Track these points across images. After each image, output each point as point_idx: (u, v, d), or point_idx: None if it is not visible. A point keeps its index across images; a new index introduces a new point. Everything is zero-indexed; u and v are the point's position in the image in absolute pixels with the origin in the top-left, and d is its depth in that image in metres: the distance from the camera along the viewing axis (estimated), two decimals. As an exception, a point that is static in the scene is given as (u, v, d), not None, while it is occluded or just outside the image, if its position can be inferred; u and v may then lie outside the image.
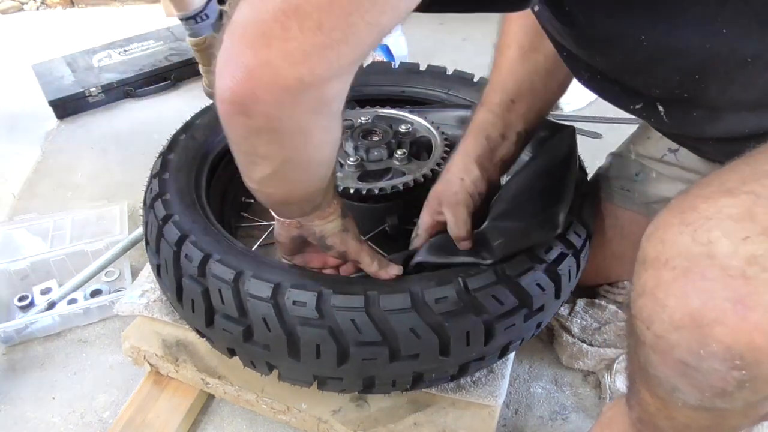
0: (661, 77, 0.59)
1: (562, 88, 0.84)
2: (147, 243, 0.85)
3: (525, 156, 0.89)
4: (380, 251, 0.96)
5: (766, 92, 0.55)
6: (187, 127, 0.99)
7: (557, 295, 0.75)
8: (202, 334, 0.80)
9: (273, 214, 0.70)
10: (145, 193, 0.89)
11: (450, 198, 0.79)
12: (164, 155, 0.92)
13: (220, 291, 0.70)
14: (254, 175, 0.60)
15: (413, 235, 0.85)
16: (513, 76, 0.81)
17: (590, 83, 0.71)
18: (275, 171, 0.57)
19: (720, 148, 0.69)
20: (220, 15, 1.63)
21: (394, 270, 0.72)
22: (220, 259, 0.72)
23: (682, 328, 0.44)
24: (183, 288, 0.75)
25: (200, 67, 1.73)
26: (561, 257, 0.74)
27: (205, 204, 0.87)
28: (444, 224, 0.79)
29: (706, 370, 0.44)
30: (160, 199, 0.82)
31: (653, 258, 0.47)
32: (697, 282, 0.43)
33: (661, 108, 0.65)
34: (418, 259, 0.76)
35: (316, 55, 0.42)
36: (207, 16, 1.58)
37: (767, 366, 0.42)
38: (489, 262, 0.72)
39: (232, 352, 0.78)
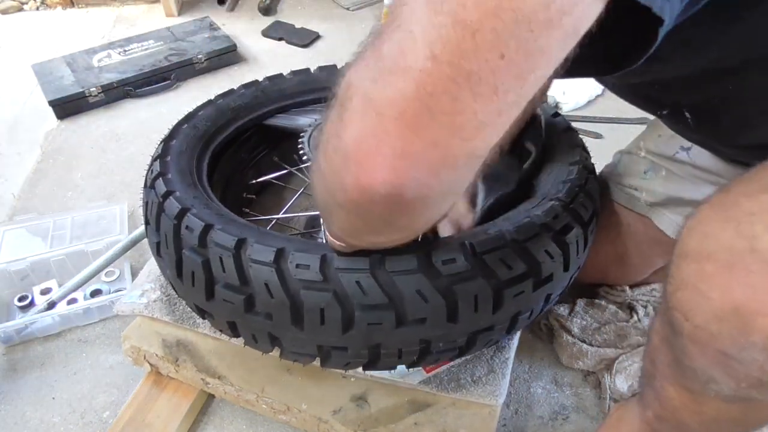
0: (698, 90, 0.60)
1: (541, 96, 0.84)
2: (147, 222, 0.83)
3: None
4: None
5: None
6: (189, 118, 1.00)
7: (566, 267, 0.73)
8: (202, 312, 0.79)
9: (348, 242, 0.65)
10: (146, 175, 0.89)
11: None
12: (166, 141, 0.92)
13: (221, 259, 0.68)
14: (376, 239, 0.56)
15: None
16: None
17: (615, 91, 0.72)
18: (410, 234, 0.54)
19: (748, 154, 0.70)
20: None
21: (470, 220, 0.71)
22: (222, 228, 0.70)
23: (724, 319, 0.45)
24: (183, 261, 0.73)
25: None
26: (568, 227, 0.73)
27: (206, 186, 0.87)
28: None
29: (746, 360, 0.46)
30: (161, 178, 0.82)
31: (695, 251, 0.48)
32: (741, 275, 0.44)
33: (688, 115, 0.66)
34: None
35: (490, 125, 0.38)
36: None
37: None
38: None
39: (233, 328, 0.76)
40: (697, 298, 0.47)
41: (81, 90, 1.71)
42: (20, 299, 1.13)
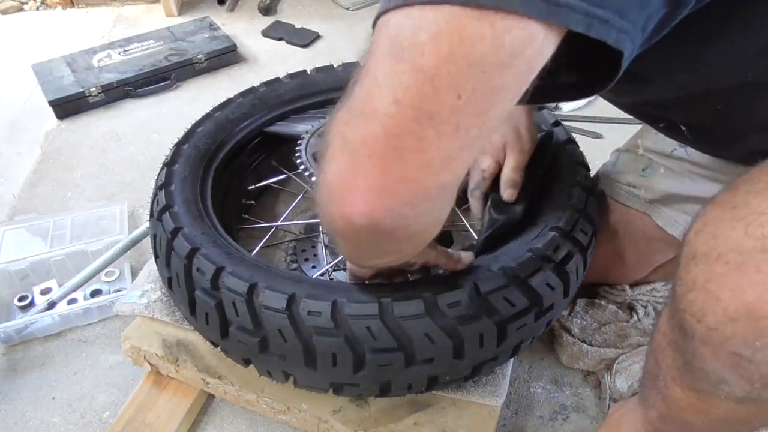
0: (687, 110, 0.61)
1: None
2: (156, 256, 0.85)
3: None
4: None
5: None
6: (188, 136, 0.99)
7: (566, 293, 0.75)
8: (216, 345, 0.81)
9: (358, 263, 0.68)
10: (151, 204, 0.90)
11: (515, 144, 0.83)
12: (168, 166, 0.92)
13: (234, 304, 0.71)
14: (374, 262, 0.60)
15: (472, 186, 0.87)
16: None
17: (613, 103, 0.73)
18: (402, 256, 0.57)
19: (745, 158, 0.70)
20: None
21: (469, 258, 0.72)
22: (233, 271, 0.72)
23: (737, 320, 0.45)
24: (196, 301, 0.75)
25: None
26: (569, 256, 0.75)
27: (212, 214, 0.88)
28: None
29: (759, 361, 0.45)
30: (168, 212, 0.83)
31: (704, 253, 0.48)
32: (752, 275, 0.44)
33: (683, 128, 0.67)
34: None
35: (456, 159, 0.41)
36: None
37: None
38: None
39: (247, 362, 0.79)
40: (708, 300, 0.47)
41: (81, 90, 1.70)
42: (20, 299, 1.13)
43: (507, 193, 0.84)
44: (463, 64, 0.36)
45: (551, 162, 0.89)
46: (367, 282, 0.73)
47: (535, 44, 0.37)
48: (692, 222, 0.50)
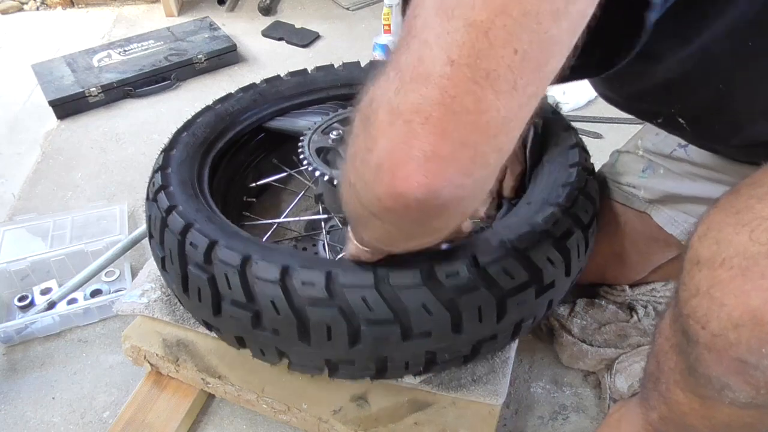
0: (689, 95, 0.61)
1: None
2: (151, 236, 0.84)
3: None
4: None
5: None
6: (188, 125, 1.00)
7: (567, 272, 0.74)
8: (209, 326, 0.79)
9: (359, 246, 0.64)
10: (148, 187, 0.89)
11: (513, 163, 0.85)
12: (166, 151, 0.92)
13: (227, 276, 0.69)
14: (409, 244, 0.55)
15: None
16: None
17: (612, 104, 0.73)
18: (442, 235, 0.54)
19: (742, 152, 0.70)
20: None
21: (468, 227, 0.69)
22: (227, 244, 0.71)
23: (741, 326, 0.44)
24: (189, 277, 0.74)
25: None
26: (569, 232, 0.74)
27: (208, 196, 0.87)
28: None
29: (765, 367, 0.45)
30: (163, 191, 0.82)
31: (708, 258, 0.47)
32: (757, 280, 0.44)
33: (682, 121, 0.67)
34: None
35: (514, 119, 0.39)
36: None
37: None
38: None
39: (240, 342, 0.77)
40: (713, 306, 0.46)
41: (81, 90, 1.71)
42: (20, 299, 1.13)
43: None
44: (518, 15, 0.35)
45: (535, 143, 0.89)
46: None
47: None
48: (695, 226, 0.50)
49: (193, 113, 1.04)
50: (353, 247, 0.64)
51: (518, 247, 0.69)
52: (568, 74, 0.42)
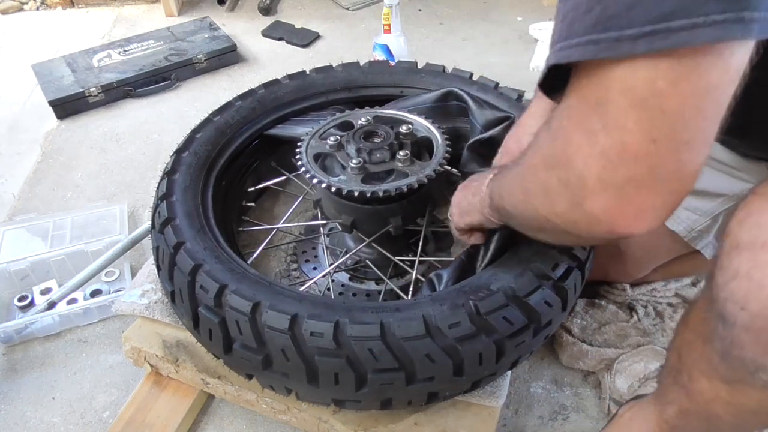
0: None
1: None
2: (159, 268, 0.85)
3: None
4: (387, 253, 0.97)
5: None
6: (188, 143, 0.99)
7: (564, 308, 0.76)
8: (219, 358, 0.81)
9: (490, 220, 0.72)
10: (153, 215, 0.90)
11: None
12: (169, 175, 0.92)
13: (237, 322, 0.71)
14: (577, 243, 0.64)
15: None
16: None
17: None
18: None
19: (750, 145, 0.73)
20: None
21: None
22: (236, 289, 0.72)
23: None
24: (199, 317, 0.75)
25: None
26: (567, 272, 0.75)
27: (213, 225, 0.88)
28: None
29: None
30: (169, 225, 0.83)
31: (748, 242, 0.49)
32: None
33: None
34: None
35: (703, 162, 0.45)
36: None
37: None
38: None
39: (250, 377, 0.79)
40: (752, 287, 0.48)
41: (81, 90, 1.71)
42: (20, 299, 1.13)
43: None
44: (705, 94, 0.42)
45: None
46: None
47: (746, 56, 0.43)
48: (735, 213, 0.52)
49: (193, 123, 1.03)
50: (478, 215, 0.72)
51: (518, 294, 0.71)
52: None
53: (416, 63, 1.22)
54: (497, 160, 0.87)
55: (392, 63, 1.29)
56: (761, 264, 0.47)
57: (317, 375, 0.70)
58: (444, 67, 1.20)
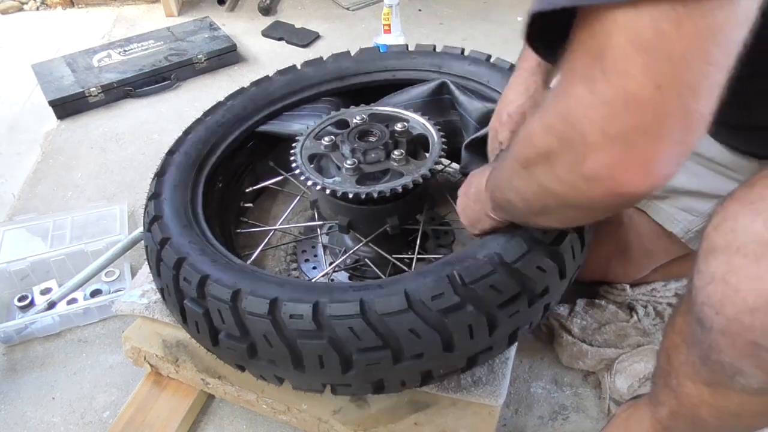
0: None
1: None
2: (150, 267, 0.86)
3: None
4: (384, 253, 0.97)
5: None
6: (179, 144, 0.98)
7: (562, 275, 0.73)
8: (212, 352, 0.82)
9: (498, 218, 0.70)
10: (144, 215, 0.90)
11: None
12: (158, 176, 0.92)
13: (219, 311, 0.71)
14: (584, 221, 0.61)
15: (491, 158, 0.89)
16: None
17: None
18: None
19: (742, 138, 0.73)
20: None
21: None
22: (217, 278, 0.72)
23: (756, 309, 0.46)
24: (186, 310, 0.75)
25: None
26: (561, 235, 0.73)
27: (202, 221, 0.87)
28: None
29: None
30: (156, 223, 0.83)
31: (723, 246, 0.49)
32: None
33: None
34: None
35: (711, 112, 0.44)
36: None
37: None
38: None
39: (241, 368, 0.79)
40: (728, 291, 0.48)
41: (81, 90, 1.71)
42: (20, 299, 1.13)
43: None
44: (709, 36, 0.41)
45: None
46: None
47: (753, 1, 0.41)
48: (710, 218, 0.52)
49: (184, 128, 1.02)
50: (487, 220, 0.70)
51: (506, 260, 0.69)
52: None
53: (407, 45, 1.21)
54: (490, 146, 0.87)
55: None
56: (736, 268, 0.47)
57: (302, 359, 0.69)
58: (434, 45, 1.17)
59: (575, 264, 0.77)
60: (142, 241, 1.16)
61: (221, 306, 0.70)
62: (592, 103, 0.44)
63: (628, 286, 1.04)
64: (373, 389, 0.74)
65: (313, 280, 1.01)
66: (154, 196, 0.88)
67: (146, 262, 1.04)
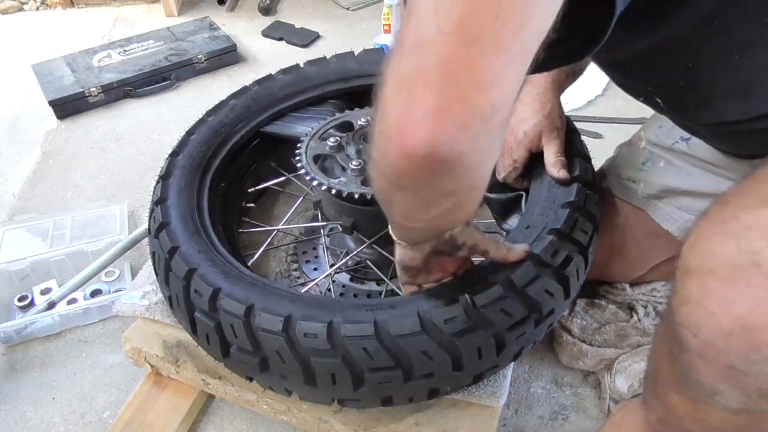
0: (663, 66, 0.63)
1: None
2: (156, 273, 0.86)
3: None
4: (387, 254, 0.97)
5: (748, 81, 0.59)
6: (182, 145, 0.98)
7: (566, 296, 0.74)
8: (219, 361, 0.81)
9: (401, 244, 0.67)
10: (149, 220, 0.89)
11: (551, 132, 0.85)
12: (164, 179, 0.92)
13: (232, 326, 0.71)
14: (430, 213, 0.56)
15: (504, 174, 0.90)
16: None
17: (605, 69, 0.76)
18: (458, 202, 0.55)
19: (715, 134, 0.73)
20: None
21: (522, 250, 0.71)
22: (229, 293, 0.72)
23: (731, 334, 0.46)
24: (196, 321, 0.75)
25: None
26: (568, 259, 0.74)
27: (209, 229, 0.87)
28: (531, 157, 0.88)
29: (756, 373, 0.46)
30: (164, 230, 0.83)
31: (696, 267, 0.49)
32: (743, 289, 0.45)
33: (659, 100, 0.70)
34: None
35: (503, 75, 0.43)
36: None
37: None
38: None
39: (250, 380, 0.79)
40: (703, 314, 0.48)
41: (81, 90, 1.71)
42: (20, 299, 1.13)
43: (561, 173, 0.84)
44: None
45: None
46: (417, 287, 0.72)
47: None
48: (686, 236, 0.51)
49: (192, 123, 1.02)
50: (398, 250, 0.68)
51: (516, 285, 0.69)
52: (542, 64, 0.46)
53: None
54: (503, 163, 0.88)
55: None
56: (710, 291, 0.47)
57: (314, 376, 0.70)
58: None
59: (578, 283, 0.78)
60: (143, 241, 1.17)
61: (234, 321, 0.70)
62: (393, 47, 0.45)
63: (628, 286, 1.04)
64: (382, 404, 0.75)
65: (315, 281, 1.01)
66: (160, 201, 0.88)
67: (147, 263, 1.05)
